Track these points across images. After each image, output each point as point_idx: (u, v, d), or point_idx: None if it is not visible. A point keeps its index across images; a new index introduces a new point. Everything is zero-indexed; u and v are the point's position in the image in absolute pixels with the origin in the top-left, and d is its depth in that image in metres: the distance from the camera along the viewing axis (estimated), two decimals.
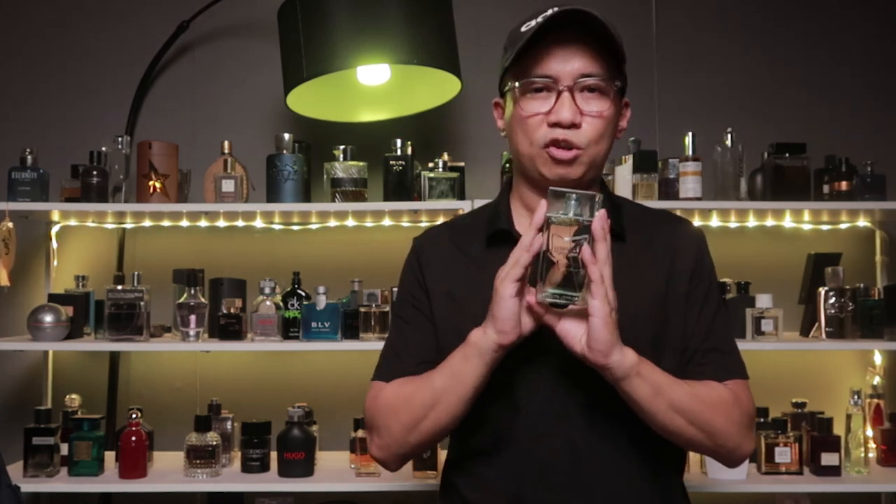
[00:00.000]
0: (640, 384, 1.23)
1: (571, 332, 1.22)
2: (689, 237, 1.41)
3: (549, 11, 1.30)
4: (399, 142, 2.41)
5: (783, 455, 2.30)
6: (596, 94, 1.31)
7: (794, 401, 2.45)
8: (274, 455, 2.31)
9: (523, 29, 1.32)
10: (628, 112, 1.40)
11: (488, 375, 1.27)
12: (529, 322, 1.23)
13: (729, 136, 2.44)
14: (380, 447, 1.37)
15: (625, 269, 1.33)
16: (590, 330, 1.19)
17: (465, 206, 2.32)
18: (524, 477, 1.31)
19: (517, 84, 1.33)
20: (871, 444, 2.40)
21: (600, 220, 1.18)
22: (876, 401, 2.46)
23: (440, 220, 2.48)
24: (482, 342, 1.24)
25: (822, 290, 2.36)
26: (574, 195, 1.18)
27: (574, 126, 1.30)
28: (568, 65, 1.30)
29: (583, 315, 1.20)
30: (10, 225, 2.35)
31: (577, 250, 1.17)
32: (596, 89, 1.31)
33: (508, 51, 1.35)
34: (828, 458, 2.28)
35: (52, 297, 2.44)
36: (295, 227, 2.69)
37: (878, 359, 2.59)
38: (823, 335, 2.35)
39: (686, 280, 1.37)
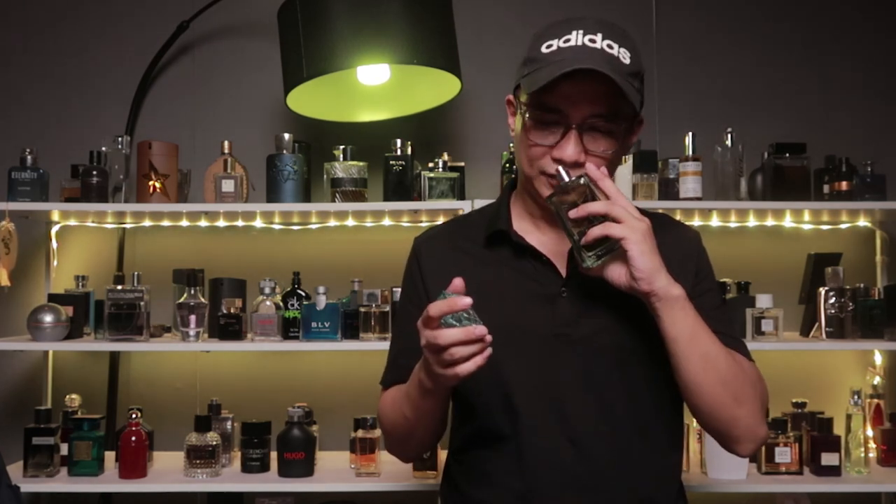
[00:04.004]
0: (682, 318, 1.24)
1: (616, 272, 1.25)
2: (688, 240, 1.43)
3: (572, 38, 1.27)
4: (399, 142, 2.41)
5: (783, 455, 2.30)
6: (604, 135, 1.29)
7: (794, 401, 2.46)
8: (274, 455, 2.31)
9: (544, 49, 1.28)
10: (640, 128, 1.38)
11: (449, 397, 1.34)
12: None
13: (729, 136, 2.44)
14: (390, 447, 1.49)
15: None
16: (630, 261, 1.21)
17: (465, 206, 2.32)
18: (523, 471, 1.32)
19: (527, 112, 1.31)
20: (872, 444, 2.40)
21: (592, 168, 1.24)
22: (876, 401, 2.46)
23: (440, 220, 2.49)
24: (434, 384, 1.25)
25: (822, 290, 2.36)
26: (562, 173, 1.26)
27: (577, 165, 1.29)
28: (580, 104, 1.27)
29: (621, 256, 1.23)
30: (11, 225, 2.35)
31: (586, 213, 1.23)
32: (605, 130, 1.29)
33: (528, 66, 1.31)
34: (828, 458, 2.28)
35: (52, 297, 2.44)
36: (295, 227, 2.69)
37: (878, 359, 2.59)
38: (823, 335, 2.35)
39: (689, 282, 1.37)
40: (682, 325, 1.24)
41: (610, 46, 1.27)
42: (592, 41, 1.27)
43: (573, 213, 1.23)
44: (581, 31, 1.28)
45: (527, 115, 1.31)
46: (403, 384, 1.38)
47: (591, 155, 1.29)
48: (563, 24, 1.30)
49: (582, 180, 1.24)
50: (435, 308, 1.17)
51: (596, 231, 1.21)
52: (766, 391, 1.34)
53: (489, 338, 1.16)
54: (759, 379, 1.34)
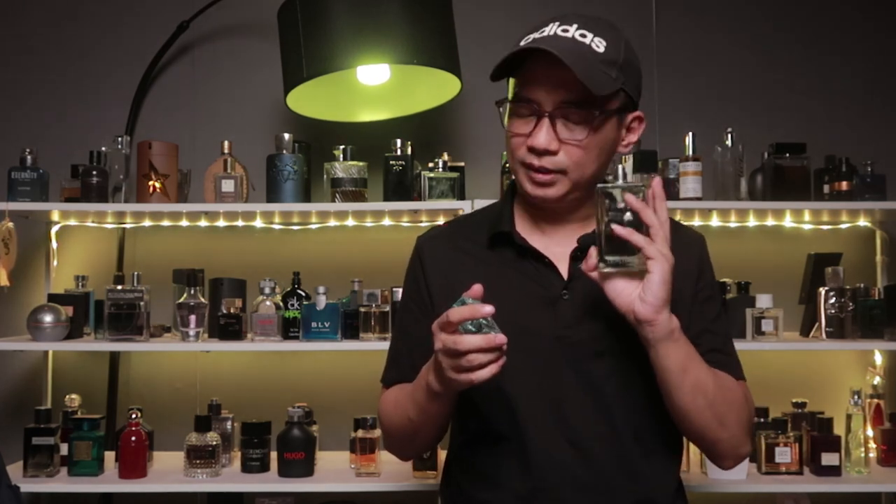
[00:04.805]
0: (675, 350, 1.24)
1: (619, 288, 1.23)
2: (691, 243, 1.43)
3: (547, 29, 1.29)
4: (399, 142, 2.41)
5: (783, 455, 2.30)
6: (577, 122, 1.29)
7: (794, 401, 2.45)
8: (274, 455, 2.31)
9: (523, 43, 1.30)
10: (640, 126, 1.37)
11: (456, 400, 1.31)
12: None
13: (729, 136, 2.44)
14: (390, 446, 1.49)
15: None
16: (647, 285, 1.20)
17: (465, 206, 2.32)
18: (524, 472, 1.32)
19: (508, 102, 1.34)
20: (872, 444, 2.40)
21: (658, 182, 1.21)
22: (876, 401, 2.46)
23: (440, 220, 2.49)
24: (443, 388, 1.25)
25: (822, 290, 2.36)
26: (622, 176, 1.24)
27: (549, 152, 1.29)
28: (551, 91, 1.28)
29: (635, 275, 1.22)
30: (10, 225, 2.35)
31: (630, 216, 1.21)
32: (577, 117, 1.29)
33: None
34: (828, 458, 2.28)
35: (52, 297, 2.44)
36: (295, 227, 2.69)
37: (878, 359, 2.59)
38: (823, 335, 2.35)
39: (691, 284, 1.37)
40: (674, 357, 1.25)
41: (583, 35, 1.27)
42: (565, 31, 1.28)
43: (627, 199, 1.20)
44: (557, 23, 1.30)
45: (509, 108, 1.33)
46: (406, 383, 1.38)
47: (566, 143, 1.29)
48: (545, 21, 1.32)
49: (640, 193, 1.21)
50: (456, 314, 1.16)
51: (638, 238, 1.19)
52: (751, 411, 1.37)
53: (505, 346, 1.16)
54: (745, 401, 1.35)
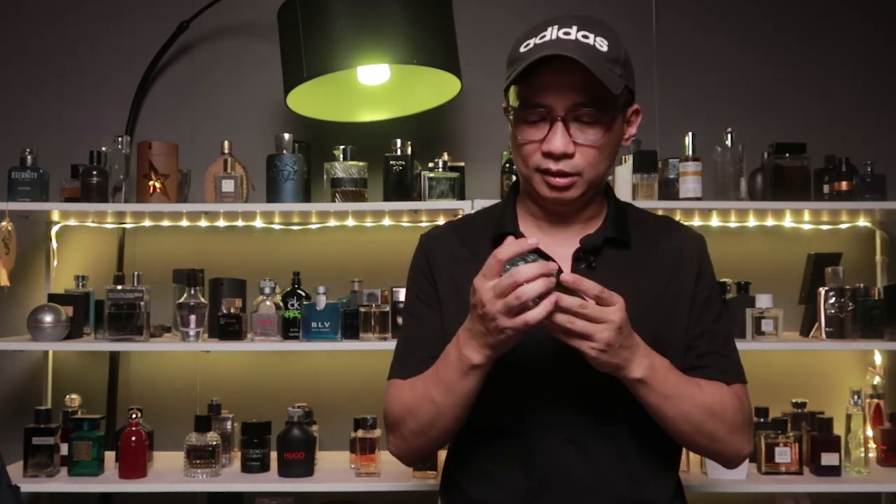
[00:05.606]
0: (646, 393, 1.26)
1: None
2: (691, 243, 1.43)
3: (547, 33, 1.29)
4: (399, 142, 2.41)
5: (783, 455, 2.30)
6: (591, 123, 1.30)
7: (794, 401, 2.46)
8: (274, 455, 2.31)
9: (522, 49, 1.31)
10: (638, 118, 1.39)
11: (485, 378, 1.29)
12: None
13: (729, 136, 2.44)
14: (395, 446, 1.41)
15: (629, 275, 1.34)
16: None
17: (465, 206, 2.32)
18: (524, 471, 1.33)
19: (513, 109, 1.33)
20: (871, 444, 2.40)
21: (566, 277, 1.18)
22: (876, 401, 2.46)
23: (440, 220, 2.49)
24: (480, 359, 1.24)
25: (822, 290, 2.36)
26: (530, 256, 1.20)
27: (566, 156, 1.30)
28: (562, 94, 1.28)
29: None
30: (10, 225, 2.35)
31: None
32: (590, 118, 1.29)
33: (509, 68, 1.34)
34: (828, 458, 2.28)
35: (52, 297, 2.44)
36: (295, 227, 2.69)
37: (878, 359, 2.59)
38: (823, 335, 2.35)
39: (691, 285, 1.38)
40: (647, 398, 1.27)
41: (585, 36, 1.28)
42: (567, 34, 1.28)
43: (564, 280, 1.17)
44: (556, 27, 1.30)
45: (515, 116, 1.33)
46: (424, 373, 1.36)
47: (581, 145, 1.30)
48: (541, 24, 1.32)
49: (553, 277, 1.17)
50: (504, 251, 1.17)
51: (560, 335, 1.20)
52: (748, 414, 1.37)
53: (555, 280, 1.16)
54: (740, 406, 1.35)
